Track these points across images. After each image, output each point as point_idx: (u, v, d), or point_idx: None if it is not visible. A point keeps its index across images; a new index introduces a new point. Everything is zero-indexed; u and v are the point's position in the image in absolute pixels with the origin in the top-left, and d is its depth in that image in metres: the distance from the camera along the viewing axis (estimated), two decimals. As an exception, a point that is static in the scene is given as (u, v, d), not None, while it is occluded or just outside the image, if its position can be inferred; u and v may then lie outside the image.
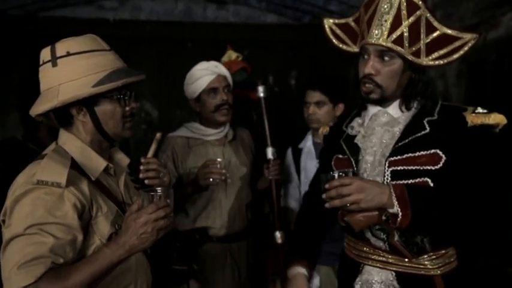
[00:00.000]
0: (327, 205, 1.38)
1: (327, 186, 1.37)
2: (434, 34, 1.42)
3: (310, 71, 3.94)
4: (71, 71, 1.29)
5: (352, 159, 1.53)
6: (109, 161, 1.42)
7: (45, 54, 1.33)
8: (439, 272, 1.43)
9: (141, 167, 1.60)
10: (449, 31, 1.41)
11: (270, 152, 2.32)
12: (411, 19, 1.39)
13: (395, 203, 1.34)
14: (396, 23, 1.39)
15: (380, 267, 1.47)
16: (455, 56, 1.41)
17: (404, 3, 1.39)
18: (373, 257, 1.49)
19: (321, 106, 2.39)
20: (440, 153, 1.40)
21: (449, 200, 1.37)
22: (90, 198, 1.29)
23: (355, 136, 1.56)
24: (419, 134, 1.42)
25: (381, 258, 1.47)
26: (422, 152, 1.41)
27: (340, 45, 1.58)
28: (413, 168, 1.41)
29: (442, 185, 1.39)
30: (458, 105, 1.50)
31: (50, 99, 1.28)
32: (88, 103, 1.32)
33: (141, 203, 1.24)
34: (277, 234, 2.28)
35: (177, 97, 3.23)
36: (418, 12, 1.40)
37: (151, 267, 1.47)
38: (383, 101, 1.49)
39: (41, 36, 2.01)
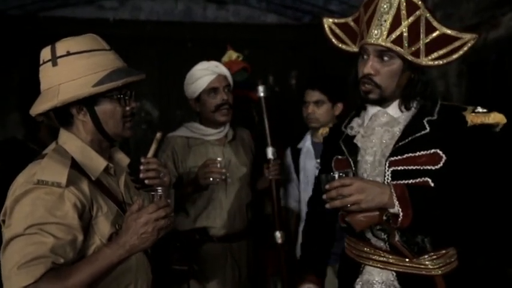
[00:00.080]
0: (327, 206, 1.38)
1: (327, 187, 1.37)
2: (434, 34, 1.41)
3: (311, 71, 3.94)
4: (71, 70, 1.29)
5: (350, 160, 1.52)
6: (109, 160, 1.42)
7: (45, 53, 1.33)
8: (440, 272, 1.43)
9: (142, 167, 1.60)
10: (448, 31, 1.41)
11: (270, 152, 2.32)
12: (411, 19, 1.39)
13: (396, 203, 1.34)
14: (396, 23, 1.39)
15: (381, 268, 1.47)
16: (455, 56, 1.41)
17: (404, 3, 1.39)
18: (373, 257, 1.49)
19: (320, 105, 2.39)
20: (441, 153, 1.40)
21: (450, 199, 1.37)
22: (91, 198, 1.29)
23: (354, 136, 1.56)
24: (419, 134, 1.42)
25: (381, 259, 1.47)
26: (422, 152, 1.41)
27: (340, 45, 1.58)
28: (414, 168, 1.41)
29: (442, 185, 1.39)
30: (458, 105, 1.50)
31: (50, 99, 1.28)
32: (88, 103, 1.32)
33: (142, 202, 1.24)
34: (278, 234, 2.28)
35: (177, 97, 3.23)
36: (417, 12, 1.40)
37: (151, 267, 1.47)
38: (382, 101, 1.49)
39: (41, 36, 2.01)
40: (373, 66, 1.42)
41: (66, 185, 1.22)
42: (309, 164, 2.47)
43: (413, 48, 1.40)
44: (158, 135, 1.65)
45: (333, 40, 1.59)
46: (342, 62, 1.65)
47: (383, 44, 1.40)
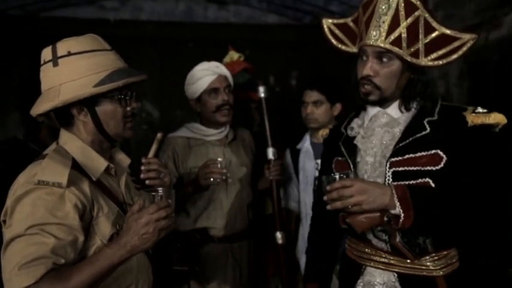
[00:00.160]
0: (328, 207, 1.38)
1: (328, 188, 1.36)
2: (433, 34, 1.41)
3: (311, 71, 3.94)
4: (72, 70, 1.29)
5: (349, 161, 1.52)
6: (110, 161, 1.42)
7: (46, 53, 1.33)
8: (441, 273, 1.42)
9: (142, 167, 1.60)
10: (447, 31, 1.41)
11: (270, 153, 2.31)
12: (409, 20, 1.39)
13: (397, 204, 1.34)
14: (394, 24, 1.39)
15: (382, 269, 1.47)
16: (454, 56, 1.41)
17: (402, 4, 1.39)
18: (375, 258, 1.48)
19: (319, 106, 2.39)
20: (441, 153, 1.39)
21: (451, 200, 1.37)
22: (91, 198, 1.29)
23: (354, 137, 1.56)
24: (419, 135, 1.42)
25: (382, 260, 1.47)
26: (423, 153, 1.41)
27: (339, 46, 1.58)
28: (415, 168, 1.41)
29: (443, 186, 1.38)
30: (458, 105, 1.50)
31: (51, 99, 1.28)
32: (89, 103, 1.31)
33: (143, 203, 1.24)
34: (278, 234, 2.28)
35: (178, 97, 3.22)
36: (416, 13, 1.39)
37: (152, 267, 1.47)
38: (382, 102, 1.48)
39: (41, 37, 2.01)
40: (372, 68, 1.42)
41: (67, 185, 1.22)
42: (308, 165, 2.47)
43: (412, 49, 1.40)
44: (159, 135, 1.65)
45: (332, 41, 1.59)
46: (342, 62, 1.64)
47: (382, 45, 1.39)
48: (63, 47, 1.31)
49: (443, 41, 1.40)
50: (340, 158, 1.59)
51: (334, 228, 1.63)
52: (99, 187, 1.34)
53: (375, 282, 1.48)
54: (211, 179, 2.08)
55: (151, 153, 1.63)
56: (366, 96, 1.46)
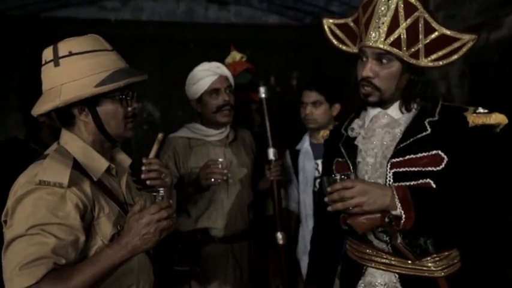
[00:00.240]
0: (329, 208, 1.38)
1: (329, 189, 1.36)
2: (433, 35, 1.40)
3: (312, 71, 3.94)
4: (73, 71, 1.29)
5: (349, 162, 1.52)
6: (111, 161, 1.42)
7: (47, 54, 1.32)
8: (442, 273, 1.42)
9: (143, 168, 1.60)
10: (447, 32, 1.40)
11: (271, 153, 2.32)
12: (409, 21, 1.38)
13: (399, 205, 1.34)
14: (393, 25, 1.38)
15: (383, 270, 1.47)
16: (455, 57, 1.40)
17: (402, 5, 1.38)
18: (376, 259, 1.48)
19: (318, 106, 2.39)
20: (442, 154, 1.39)
21: (452, 201, 1.37)
22: (92, 198, 1.29)
23: (355, 138, 1.55)
24: (420, 135, 1.42)
25: (384, 261, 1.47)
26: (424, 153, 1.40)
27: (340, 46, 1.57)
28: (415, 169, 1.40)
29: (444, 186, 1.38)
30: (459, 106, 1.50)
31: (52, 99, 1.28)
32: (90, 103, 1.31)
33: (144, 203, 1.23)
34: (279, 235, 2.28)
35: (178, 98, 3.23)
36: (416, 14, 1.39)
37: (153, 268, 1.47)
38: (382, 103, 1.48)
39: (41, 37, 2.01)
40: (372, 69, 1.42)
41: (68, 185, 1.22)
42: (308, 165, 2.47)
43: (412, 50, 1.40)
44: (160, 136, 1.65)
45: (333, 41, 1.58)
46: (343, 62, 1.64)
47: (381, 46, 1.39)
48: (64, 47, 1.31)
49: (443, 41, 1.40)
50: (340, 159, 1.58)
51: (336, 230, 1.63)
52: (100, 187, 1.34)
53: (376, 283, 1.47)
54: (212, 180, 2.08)
55: (152, 154, 1.63)
56: (365, 97, 1.46)
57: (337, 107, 2.43)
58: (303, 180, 2.49)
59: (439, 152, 1.39)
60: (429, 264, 1.42)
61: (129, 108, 1.38)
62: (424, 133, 1.42)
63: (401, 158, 1.42)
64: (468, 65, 2.76)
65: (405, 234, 1.42)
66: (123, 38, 3.21)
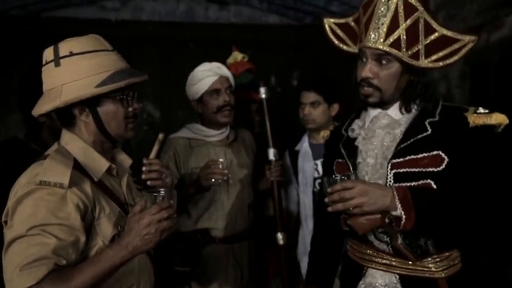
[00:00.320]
0: (329, 209, 1.38)
1: (329, 190, 1.36)
2: (433, 36, 1.40)
3: (312, 71, 3.94)
4: (74, 71, 1.28)
5: (349, 163, 1.52)
6: (111, 161, 1.42)
7: (48, 54, 1.32)
8: (443, 274, 1.42)
9: (144, 168, 1.60)
10: (448, 33, 1.40)
11: (271, 153, 2.32)
12: (408, 22, 1.38)
13: (399, 205, 1.34)
14: (393, 26, 1.38)
15: (384, 270, 1.47)
16: (455, 58, 1.40)
17: (402, 6, 1.38)
18: (376, 259, 1.48)
19: (316, 106, 2.40)
20: (443, 154, 1.39)
21: (453, 201, 1.37)
22: (93, 199, 1.28)
23: (355, 139, 1.55)
24: (420, 136, 1.42)
25: (384, 261, 1.47)
26: (424, 154, 1.40)
27: (341, 46, 1.57)
28: (416, 170, 1.40)
29: (445, 187, 1.38)
30: (459, 106, 1.49)
31: (52, 100, 1.28)
32: (91, 103, 1.31)
33: (144, 204, 1.23)
34: (279, 235, 2.28)
35: (179, 98, 3.23)
36: (416, 14, 1.38)
37: (154, 268, 1.46)
38: (382, 104, 1.48)
39: (42, 37, 2.01)
40: (371, 70, 1.42)
41: (68, 186, 1.22)
42: (307, 166, 2.47)
43: (412, 51, 1.39)
44: (160, 136, 1.65)
45: (334, 40, 1.58)
46: (343, 62, 1.64)
47: (380, 47, 1.39)
48: (65, 47, 1.31)
49: (443, 42, 1.40)
50: (340, 160, 1.58)
51: (336, 231, 1.63)
52: (101, 188, 1.33)
53: (377, 284, 1.47)
54: (213, 180, 2.08)
55: (152, 154, 1.63)
56: (366, 98, 1.46)
57: (335, 107, 2.43)
58: (303, 180, 2.49)
59: (440, 152, 1.39)
60: (430, 265, 1.42)
61: (130, 109, 1.38)
62: (425, 133, 1.42)
63: (401, 159, 1.42)
64: (468, 65, 2.76)
65: (406, 235, 1.41)
66: (123, 38, 3.21)
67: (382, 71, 1.42)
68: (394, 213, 1.35)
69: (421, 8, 1.39)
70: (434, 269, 1.42)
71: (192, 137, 2.35)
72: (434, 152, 1.39)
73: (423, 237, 1.42)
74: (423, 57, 1.41)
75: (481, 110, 1.41)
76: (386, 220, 1.36)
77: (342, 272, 1.68)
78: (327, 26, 1.59)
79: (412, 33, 1.39)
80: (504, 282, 2.33)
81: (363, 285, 1.50)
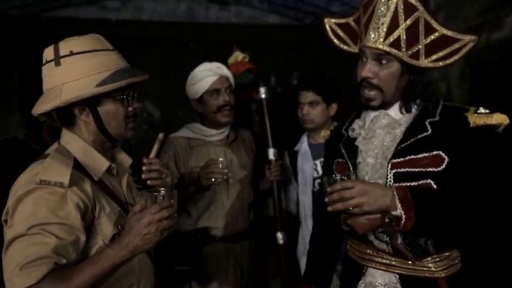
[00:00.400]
0: (329, 208, 1.37)
1: (329, 189, 1.36)
2: (433, 36, 1.40)
3: (312, 71, 3.94)
4: (74, 70, 1.28)
5: (349, 163, 1.52)
6: (111, 161, 1.41)
7: (48, 53, 1.32)
8: (443, 274, 1.42)
9: (144, 168, 1.60)
10: (448, 32, 1.40)
11: (271, 153, 2.32)
12: (408, 21, 1.38)
13: (399, 205, 1.33)
14: (393, 25, 1.38)
15: (383, 270, 1.46)
16: (455, 57, 1.40)
17: (402, 6, 1.38)
18: (376, 259, 1.48)
19: (315, 106, 2.40)
20: (443, 154, 1.39)
21: (453, 201, 1.36)
22: (93, 198, 1.28)
23: (355, 139, 1.55)
24: (421, 136, 1.41)
25: (384, 261, 1.46)
26: (424, 154, 1.40)
27: (341, 46, 1.57)
28: (416, 170, 1.40)
29: (445, 187, 1.38)
30: (460, 106, 1.49)
31: (52, 99, 1.28)
32: (91, 103, 1.31)
33: (144, 203, 1.23)
34: (279, 235, 2.28)
35: (179, 97, 3.23)
36: (416, 14, 1.38)
37: (154, 268, 1.46)
38: (384, 106, 1.48)
39: (42, 37, 2.01)
40: (371, 70, 1.42)
41: (68, 185, 1.22)
42: (307, 166, 2.47)
43: (412, 51, 1.39)
44: (160, 135, 1.65)
45: (335, 40, 1.58)
46: (344, 62, 1.65)
47: (380, 47, 1.39)
48: (65, 46, 1.31)
49: (443, 42, 1.40)
50: (340, 160, 1.58)
51: (336, 230, 1.63)
52: (101, 187, 1.33)
53: (376, 284, 1.47)
54: (213, 179, 2.08)
55: (152, 154, 1.63)
56: (368, 102, 1.46)
57: (334, 107, 2.43)
58: (302, 180, 2.49)
59: (440, 152, 1.39)
60: (429, 265, 1.42)
61: (130, 108, 1.38)
62: (425, 133, 1.42)
63: (401, 159, 1.42)
64: (469, 65, 2.76)
65: (405, 235, 1.41)
66: (123, 38, 3.19)
67: (382, 71, 1.42)
68: (394, 213, 1.35)
69: (421, 8, 1.39)
70: (434, 269, 1.42)
71: (192, 136, 2.35)
72: (435, 152, 1.39)
73: (423, 237, 1.42)
74: (423, 57, 1.41)
75: (481, 110, 1.41)
76: (386, 220, 1.35)
77: (342, 271, 1.68)
78: (327, 26, 1.59)
79: (412, 33, 1.39)
80: (504, 282, 2.33)
81: (363, 285, 1.50)
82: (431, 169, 1.39)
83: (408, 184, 1.39)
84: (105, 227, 1.29)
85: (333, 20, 1.60)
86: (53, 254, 1.16)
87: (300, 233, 2.53)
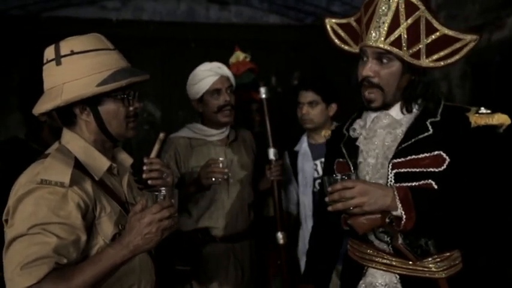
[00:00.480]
0: (329, 208, 1.37)
1: (329, 189, 1.36)
2: (434, 35, 1.40)
3: (313, 71, 3.94)
4: (75, 70, 1.28)
5: (350, 163, 1.52)
6: (112, 160, 1.41)
7: (49, 52, 1.32)
8: (443, 274, 1.42)
9: (145, 167, 1.60)
10: (449, 32, 1.40)
11: (271, 153, 2.32)
12: (409, 20, 1.38)
13: (399, 205, 1.33)
14: (394, 24, 1.38)
15: (384, 270, 1.46)
16: (456, 57, 1.40)
17: (403, 5, 1.38)
18: (376, 259, 1.48)
19: (314, 106, 2.40)
20: (444, 155, 1.39)
21: (454, 201, 1.36)
22: (94, 198, 1.28)
23: (356, 139, 1.55)
24: (422, 136, 1.41)
25: (384, 261, 1.46)
26: (425, 154, 1.40)
27: (342, 46, 1.57)
28: (417, 170, 1.40)
29: (446, 187, 1.38)
30: (461, 106, 1.49)
31: (53, 98, 1.28)
32: (92, 102, 1.31)
33: (145, 203, 1.23)
34: (279, 235, 2.28)
35: (179, 97, 3.23)
36: (417, 13, 1.38)
37: (155, 267, 1.46)
38: (384, 107, 1.48)
39: (42, 37, 2.01)
40: (372, 69, 1.42)
41: (69, 184, 1.22)
42: (307, 166, 2.47)
43: (412, 50, 1.39)
44: (161, 135, 1.65)
45: (336, 41, 1.58)
46: (344, 62, 1.65)
47: (381, 46, 1.38)
48: (66, 46, 1.31)
49: (444, 41, 1.40)
50: (341, 160, 1.58)
51: (336, 230, 1.63)
52: (102, 187, 1.33)
53: (377, 284, 1.47)
54: (213, 179, 2.08)
55: (153, 153, 1.63)
56: (369, 104, 1.46)
57: (333, 107, 2.43)
58: (302, 181, 2.49)
59: (441, 152, 1.39)
60: (430, 265, 1.42)
61: (131, 108, 1.38)
62: (426, 133, 1.41)
63: (402, 159, 1.42)
64: (470, 65, 2.76)
65: (406, 235, 1.41)
66: (124, 38, 3.18)
67: (383, 70, 1.41)
68: (394, 213, 1.35)
69: (422, 7, 1.38)
70: (434, 269, 1.42)
71: (192, 136, 2.35)
72: (436, 152, 1.39)
73: (424, 237, 1.42)
74: (424, 57, 1.41)
75: (483, 110, 1.41)
76: (387, 220, 1.35)
77: (342, 271, 1.67)
78: (328, 27, 1.59)
79: (413, 32, 1.39)
80: (504, 283, 2.32)
81: (363, 285, 1.50)
82: (432, 169, 1.39)
83: (409, 184, 1.39)
84: (106, 227, 1.29)
85: (333, 20, 1.59)
86: (54, 253, 1.16)
87: (301, 234, 2.53)
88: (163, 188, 1.30)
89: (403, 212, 1.33)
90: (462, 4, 2.82)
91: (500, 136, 1.40)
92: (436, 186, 1.38)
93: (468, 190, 1.37)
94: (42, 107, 1.30)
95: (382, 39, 1.38)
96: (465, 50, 1.39)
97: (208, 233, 2.27)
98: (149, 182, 1.57)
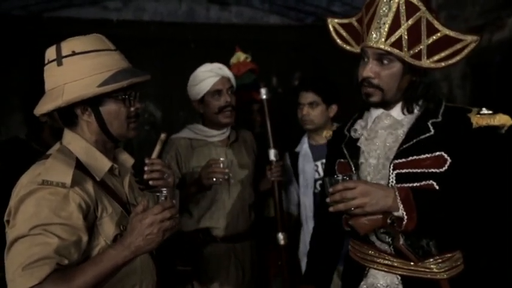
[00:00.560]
0: (331, 209, 1.37)
1: (331, 190, 1.36)
2: (435, 36, 1.40)
3: (313, 72, 3.94)
4: (76, 70, 1.28)
5: (351, 163, 1.51)
6: (113, 161, 1.42)
7: (50, 53, 1.32)
8: (445, 275, 1.42)
9: (146, 168, 1.60)
10: (450, 33, 1.40)
11: (272, 154, 2.32)
12: (410, 21, 1.38)
13: (401, 206, 1.33)
14: (395, 25, 1.38)
15: (385, 271, 1.46)
16: (457, 58, 1.40)
17: (404, 6, 1.38)
18: (378, 260, 1.48)
19: (315, 107, 2.39)
20: (445, 155, 1.38)
21: (455, 202, 1.36)
22: (95, 198, 1.28)
23: (358, 139, 1.55)
24: (423, 136, 1.41)
25: (386, 262, 1.46)
26: (427, 155, 1.40)
27: (344, 46, 1.57)
28: (418, 171, 1.40)
29: (447, 188, 1.38)
30: (462, 107, 1.49)
31: (54, 99, 1.28)
32: (93, 103, 1.31)
33: (147, 203, 1.23)
34: (280, 235, 2.27)
35: (180, 98, 3.22)
36: (418, 14, 1.38)
37: (156, 268, 1.46)
38: (384, 104, 1.48)
39: (43, 37, 2.01)
40: (373, 70, 1.42)
41: (71, 185, 1.22)
42: (308, 167, 2.47)
43: (413, 51, 1.39)
44: (163, 136, 1.65)
45: (338, 41, 1.58)
46: (345, 63, 1.64)
47: (382, 47, 1.38)
48: (67, 46, 1.31)
49: (445, 42, 1.40)
50: (342, 160, 1.58)
51: (337, 231, 1.63)
52: (103, 187, 1.33)
53: (378, 285, 1.47)
54: (214, 179, 2.08)
55: (154, 154, 1.63)
56: (367, 97, 1.46)
57: (334, 108, 2.43)
58: (303, 182, 2.49)
59: (443, 153, 1.39)
60: (432, 266, 1.42)
61: (132, 108, 1.38)
62: (427, 134, 1.41)
63: (404, 159, 1.42)
64: (470, 65, 2.76)
65: (407, 236, 1.41)
66: (124, 38, 3.18)
67: (384, 71, 1.41)
68: (396, 213, 1.35)
69: (423, 8, 1.38)
70: (436, 270, 1.42)
71: (193, 137, 2.35)
72: (437, 153, 1.39)
73: (425, 238, 1.42)
74: (425, 58, 1.40)
75: (484, 110, 1.41)
76: (388, 221, 1.35)
77: (343, 272, 1.67)
78: (330, 26, 1.59)
79: (414, 33, 1.38)
80: (504, 283, 2.32)
81: (365, 286, 1.50)
82: (433, 170, 1.39)
83: (410, 185, 1.39)
84: (107, 228, 1.29)
85: (335, 20, 1.59)
86: (55, 254, 1.16)
87: (301, 235, 2.52)
88: (164, 189, 1.30)
89: (405, 213, 1.33)
90: (463, 4, 2.82)
91: (501, 137, 1.40)
92: (437, 187, 1.38)
93: (470, 191, 1.37)
94: (43, 107, 1.30)
95: (383, 40, 1.38)
96: (466, 51, 1.39)
97: (209, 233, 2.28)
98: (150, 182, 1.57)
